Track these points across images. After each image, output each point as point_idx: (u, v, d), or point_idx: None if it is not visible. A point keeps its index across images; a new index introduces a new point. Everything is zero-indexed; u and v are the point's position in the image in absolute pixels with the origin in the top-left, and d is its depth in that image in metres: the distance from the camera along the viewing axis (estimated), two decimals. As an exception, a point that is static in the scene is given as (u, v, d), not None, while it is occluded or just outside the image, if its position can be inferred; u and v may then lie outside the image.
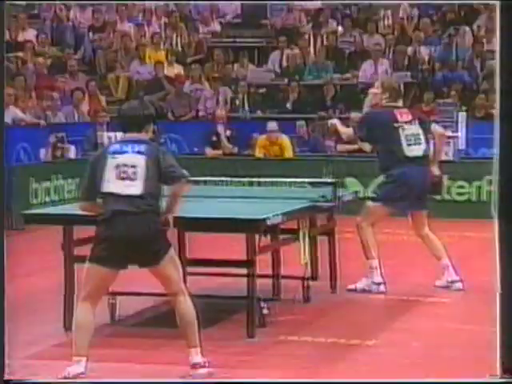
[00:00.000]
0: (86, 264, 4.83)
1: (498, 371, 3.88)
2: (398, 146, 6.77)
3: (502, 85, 3.80)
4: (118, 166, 4.78)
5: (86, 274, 4.84)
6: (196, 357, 4.79)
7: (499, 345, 3.88)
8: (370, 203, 7.04)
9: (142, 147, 4.83)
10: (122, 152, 4.82)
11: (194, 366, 4.80)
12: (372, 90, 7.38)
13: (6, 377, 4.01)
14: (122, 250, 4.72)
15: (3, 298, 3.82)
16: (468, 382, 4.49)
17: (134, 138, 4.90)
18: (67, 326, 5.78)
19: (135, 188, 4.74)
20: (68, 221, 5.82)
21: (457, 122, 11.55)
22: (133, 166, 4.76)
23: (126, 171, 4.76)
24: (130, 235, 4.68)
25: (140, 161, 4.78)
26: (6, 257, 3.74)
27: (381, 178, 7.18)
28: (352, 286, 6.94)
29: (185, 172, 4.92)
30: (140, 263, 4.84)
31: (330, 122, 7.75)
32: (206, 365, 4.82)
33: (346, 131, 7.51)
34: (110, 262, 4.74)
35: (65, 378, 4.70)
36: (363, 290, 6.86)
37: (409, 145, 6.81)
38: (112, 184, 4.76)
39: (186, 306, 4.81)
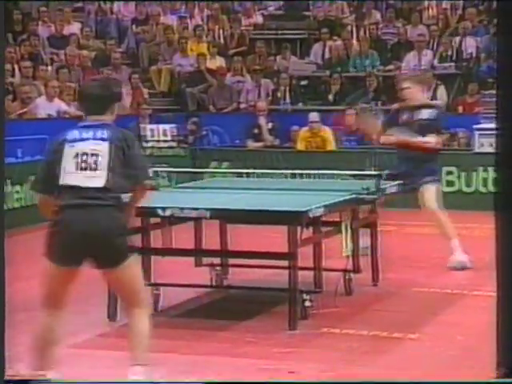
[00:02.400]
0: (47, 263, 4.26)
1: (495, 371, 3.81)
2: None
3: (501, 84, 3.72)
4: (77, 155, 4.26)
5: (44, 275, 4.27)
6: (133, 373, 4.18)
7: (496, 344, 3.79)
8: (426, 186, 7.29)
9: (106, 132, 4.33)
10: (81, 139, 4.30)
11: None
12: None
13: (8, 377, 4.00)
14: (79, 247, 4.20)
15: (3, 298, 3.80)
16: (468, 381, 4.44)
17: (96, 122, 4.38)
18: (111, 316, 5.85)
19: (97, 179, 4.23)
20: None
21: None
22: (94, 155, 4.25)
23: (86, 160, 4.24)
24: (90, 230, 4.16)
25: (103, 148, 4.27)
26: (7, 258, 3.73)
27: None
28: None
29: (149, 174, 4.43)
30: (97, 262, 4.26)
31: None
32: None
33: None
34: (66, 260, 4.21)
35: None
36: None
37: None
38: (71, 175, 4.25)
39: (140, 322, 4.29)
